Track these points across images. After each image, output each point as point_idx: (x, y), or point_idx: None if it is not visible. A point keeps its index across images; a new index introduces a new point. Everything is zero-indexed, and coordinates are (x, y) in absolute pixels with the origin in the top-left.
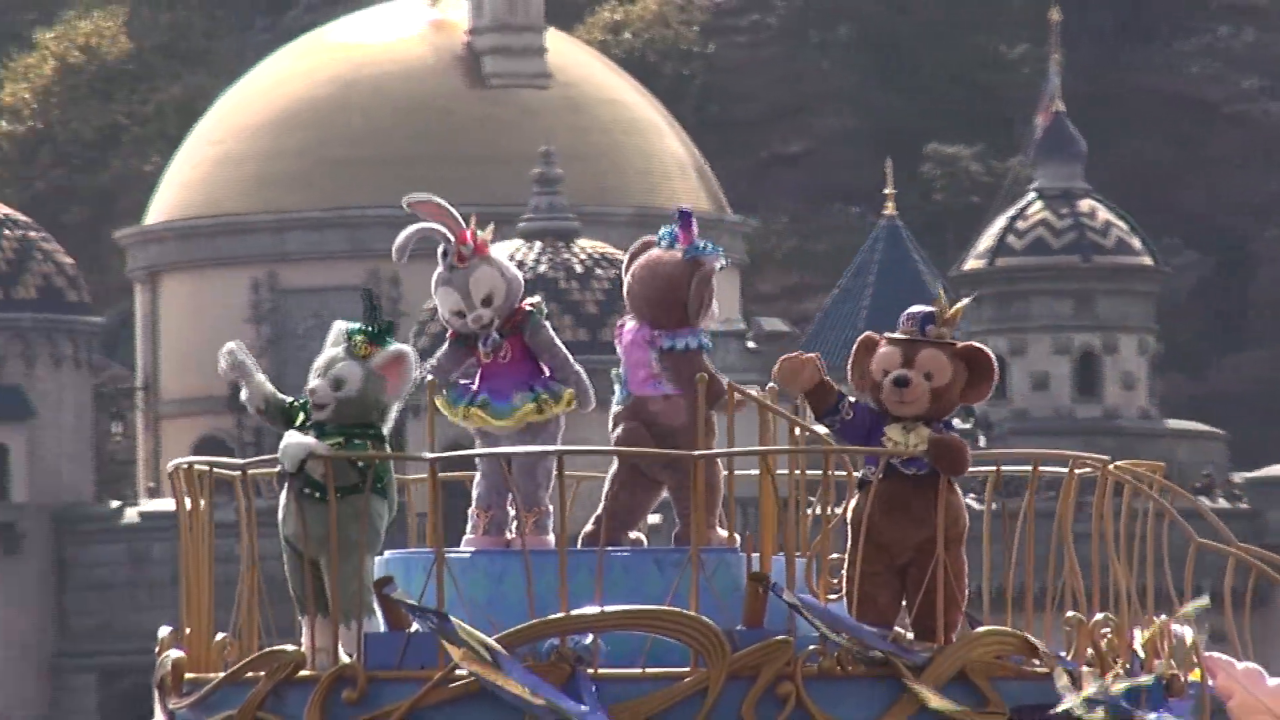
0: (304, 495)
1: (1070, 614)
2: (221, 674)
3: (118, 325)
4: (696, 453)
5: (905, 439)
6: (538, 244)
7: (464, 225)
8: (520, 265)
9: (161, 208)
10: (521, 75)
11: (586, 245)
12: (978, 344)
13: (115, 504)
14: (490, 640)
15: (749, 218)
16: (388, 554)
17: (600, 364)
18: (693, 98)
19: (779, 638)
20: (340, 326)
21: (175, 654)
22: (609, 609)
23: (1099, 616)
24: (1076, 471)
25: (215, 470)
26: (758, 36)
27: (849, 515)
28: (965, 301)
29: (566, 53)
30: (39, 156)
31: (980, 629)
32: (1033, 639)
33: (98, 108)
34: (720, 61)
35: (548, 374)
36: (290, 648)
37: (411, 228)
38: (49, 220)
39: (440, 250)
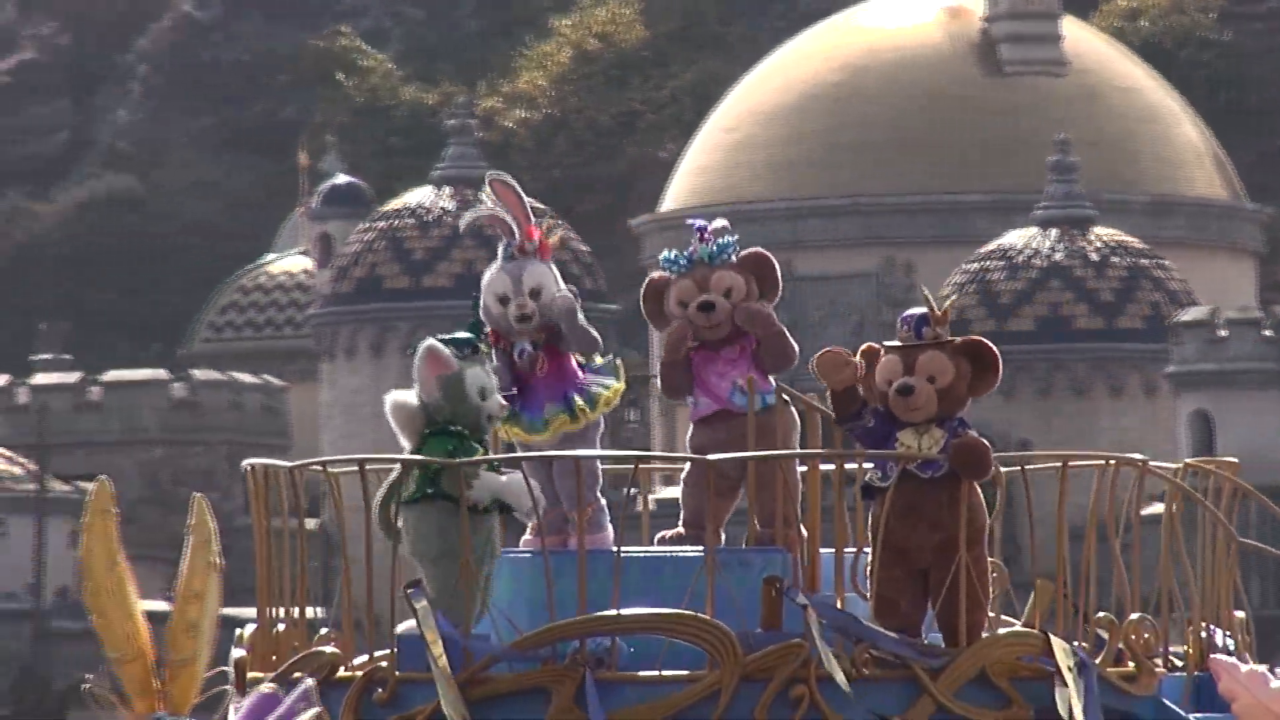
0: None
1: (1101, 614)
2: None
3: (633, 312)
4: (712, 456)
5: (919, 443)
6: (1053, 231)
7: (534, 220)
8: (1035, 253)
9: (677, 194)
10: (1038, 62)
11: (1102, 233)
12: (976, 337)
13: (632, 491)
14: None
15: (1265, 206)
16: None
17: (1117, 354)
18: (1205, 84)
19: (792, 640)
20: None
21: (238, 653)
22: (624, 612)
23: (1134, 617)
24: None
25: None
26: (1275, 24)
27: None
28: (954, 298)
29: (1082, 39)
30: (555, 144)
31: (1002, 630)
32: (1055, 638)
33: (613, 95)
34: (1237, 48)
35: (582, 378)
36: (330, 649)
37: (482, 208)
38: (565, 208)
39: (503, 242)
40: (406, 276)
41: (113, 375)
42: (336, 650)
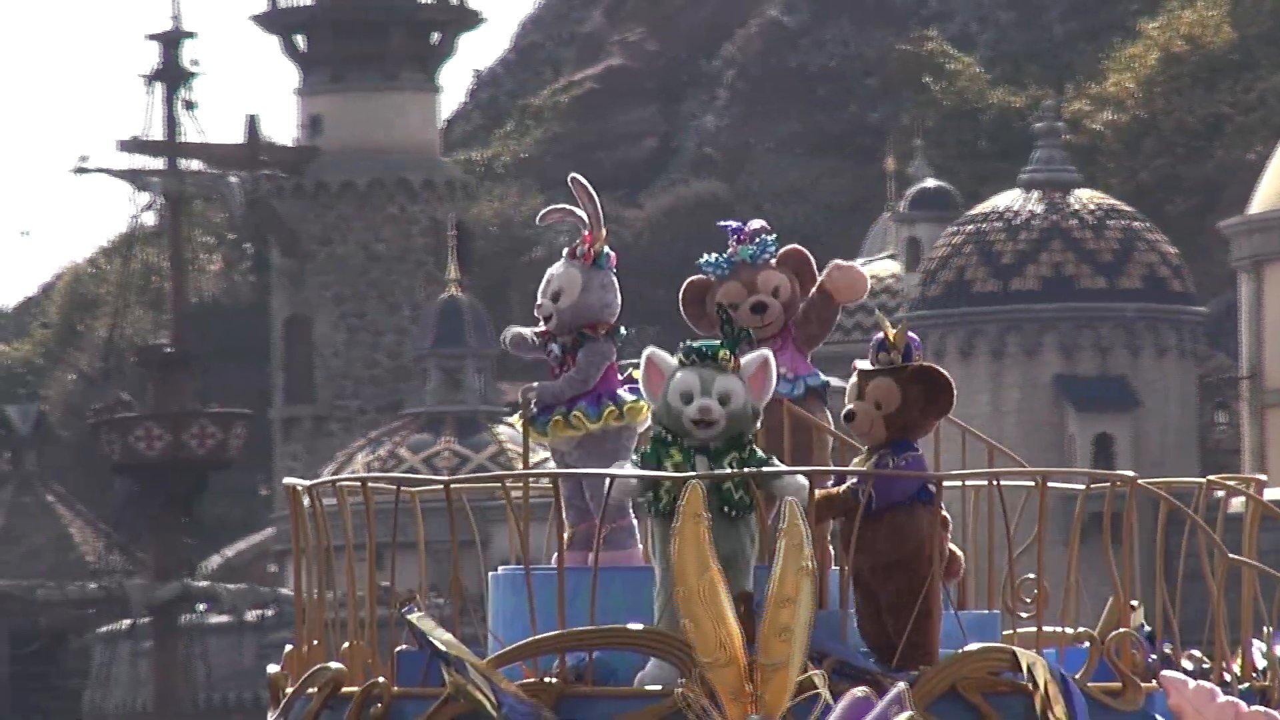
0: (722, 514)
1: (1082, 629)
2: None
3: (1222, 314)
4: (691, 475)
5: (867, 467)
6: None
7: (596, 228)
8: None
9: (1265, 196)
10: None
11: None
12: (929, 364)
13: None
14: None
15: None
16: (501, 569)
17: None
18: None
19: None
20: (686, 348)
21: (273, 669)
22: (595, 628)
23: (1118, 632)
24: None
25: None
26: None
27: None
28: (902, 324)
29: None
30: (1143, 147)
31: (974, 646)
32: (1022, 654)
33: (1201, 97)
34: None
35: (604, 389)
36: (335, 665)
37: (555, 206)
38: (1153, 210)
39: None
40: (994, 280)
41: None
42: (341, 666)
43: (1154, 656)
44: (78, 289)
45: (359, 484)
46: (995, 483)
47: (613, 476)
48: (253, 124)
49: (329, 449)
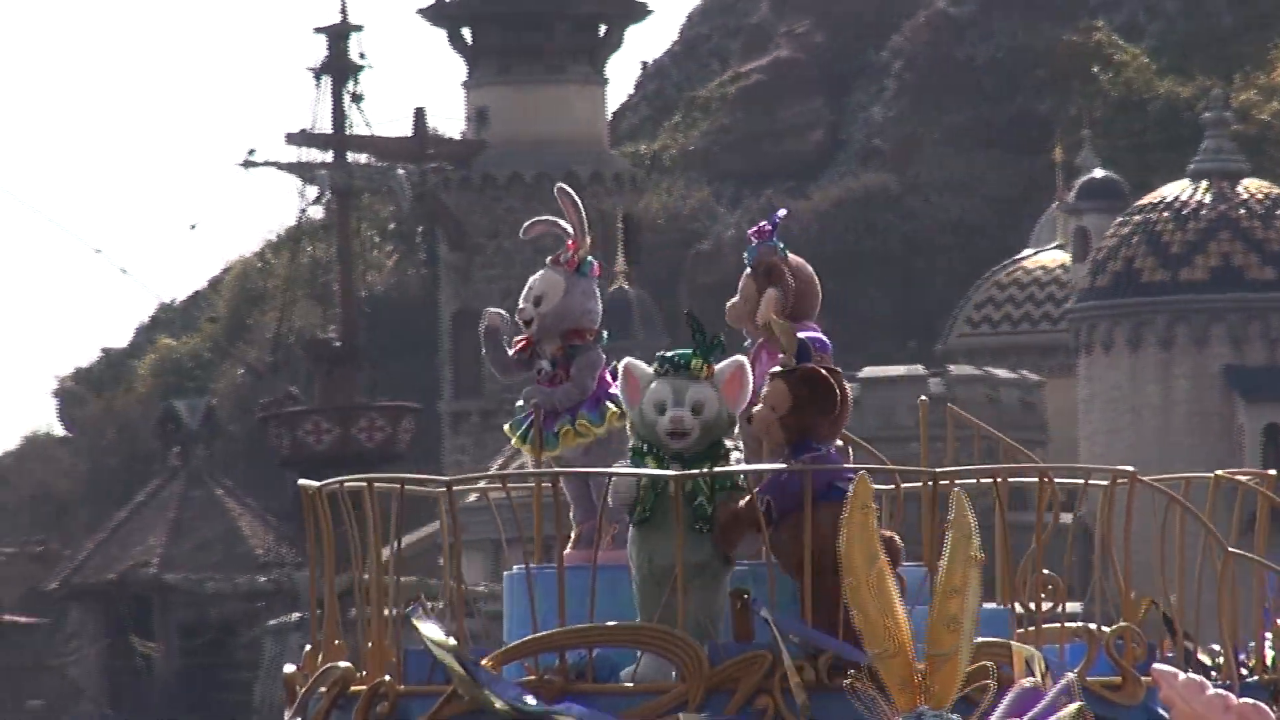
0: (693, 528)
1: (1080, 624)
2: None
3: None
4: (675, 473)
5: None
6: None
7: (580, 237)
8: None
9: None
10: None
11: None
12: (814, 366)
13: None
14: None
15: None
16: (515, 568)
17: None
18: None
19: (756, 652)
20: (660, 358)
21: (289, 668)
22: (593, 625)
23: (1118, 625)
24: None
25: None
26: None
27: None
28: (787, 325)
29: None
30: None
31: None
32: (1020, 648)
33: None
34: None
35: (600, 393)
36: (344, 664)
37: (540, 218)
38: None
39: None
40: (1163, 270)
41: (869, 371)
42: (349, 665)
43: (1171, 653)
44: (246, 283)
45: (394, 484)
46: (997, 480)
47: (611, 474)
48: (420, 117)
49: (497, 443)
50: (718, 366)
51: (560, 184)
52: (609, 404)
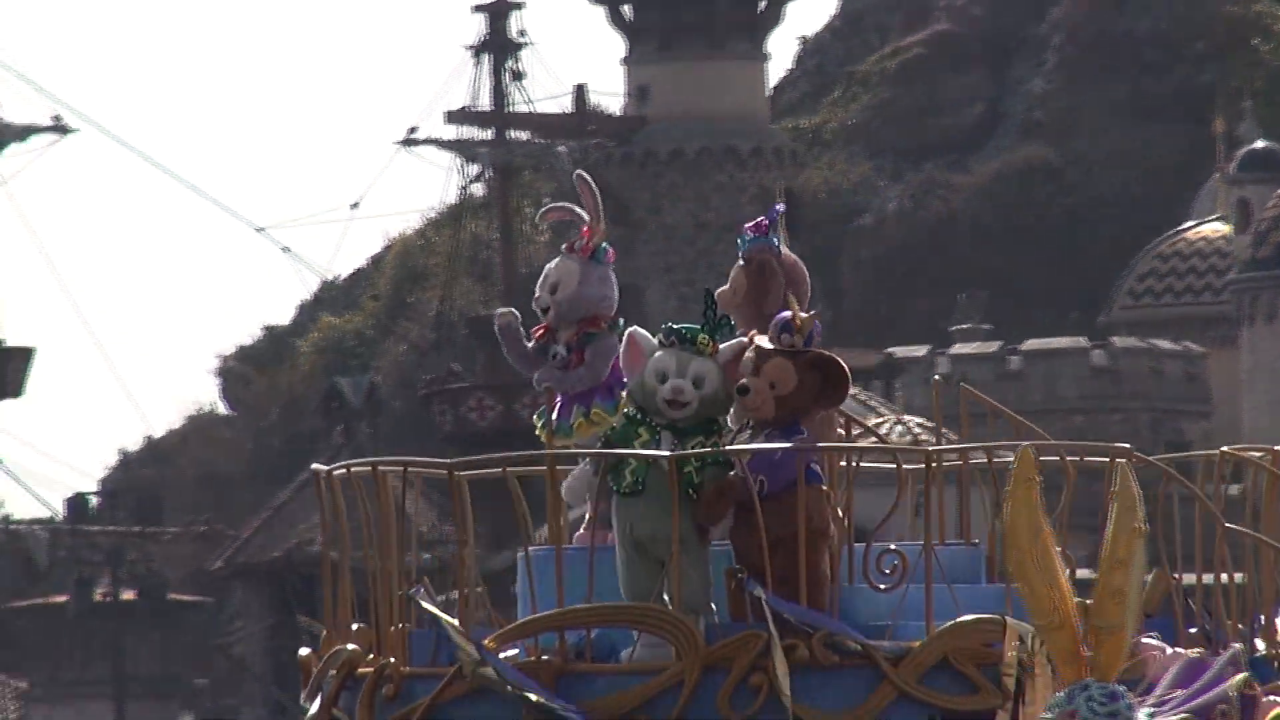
0: (686, 495)
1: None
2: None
3: None
4: (670, 453)
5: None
6: None
7: (595, 223)
8: None
9: None
10: None
11: None
12: (829, 354)
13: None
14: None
15: None
16: (533, 549)
17: None
18: None
19: (750, 631)
20: (667, 329)
21: (304, 652)
22: (591, 605)
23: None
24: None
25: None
26: None
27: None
28: (814, 313)
29: None
30: None
31: (967, 617)
32: (1014, 624)
33: None
34: None
35: (613, 380)
36: (351, 646)
37: (557, 203)
38: None
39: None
40: None
41: (1032, 344)
42: (356, 648)
43: (1193, 629)
44: (407, 261)
45: (396, 468)
46: (991, 459)
47: (607, 456)
48: (581, 93)
49: None
50: (722, 345)
51: (579, 171)
52: (622, 391)
